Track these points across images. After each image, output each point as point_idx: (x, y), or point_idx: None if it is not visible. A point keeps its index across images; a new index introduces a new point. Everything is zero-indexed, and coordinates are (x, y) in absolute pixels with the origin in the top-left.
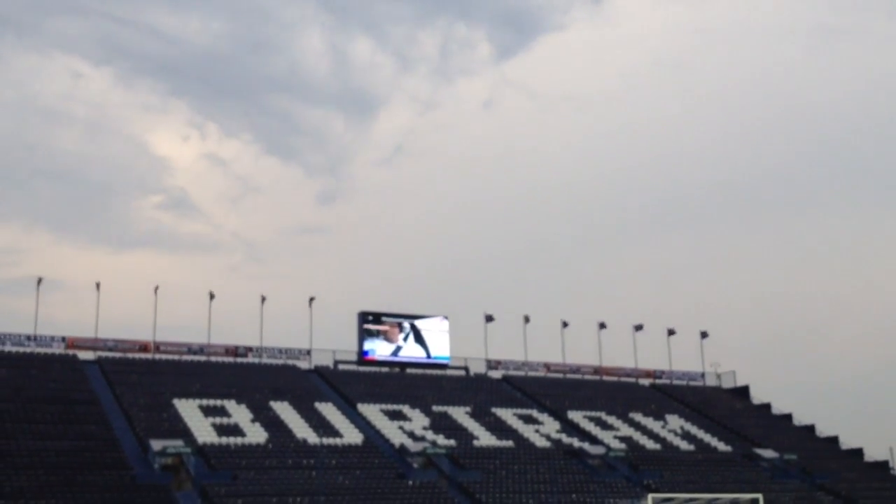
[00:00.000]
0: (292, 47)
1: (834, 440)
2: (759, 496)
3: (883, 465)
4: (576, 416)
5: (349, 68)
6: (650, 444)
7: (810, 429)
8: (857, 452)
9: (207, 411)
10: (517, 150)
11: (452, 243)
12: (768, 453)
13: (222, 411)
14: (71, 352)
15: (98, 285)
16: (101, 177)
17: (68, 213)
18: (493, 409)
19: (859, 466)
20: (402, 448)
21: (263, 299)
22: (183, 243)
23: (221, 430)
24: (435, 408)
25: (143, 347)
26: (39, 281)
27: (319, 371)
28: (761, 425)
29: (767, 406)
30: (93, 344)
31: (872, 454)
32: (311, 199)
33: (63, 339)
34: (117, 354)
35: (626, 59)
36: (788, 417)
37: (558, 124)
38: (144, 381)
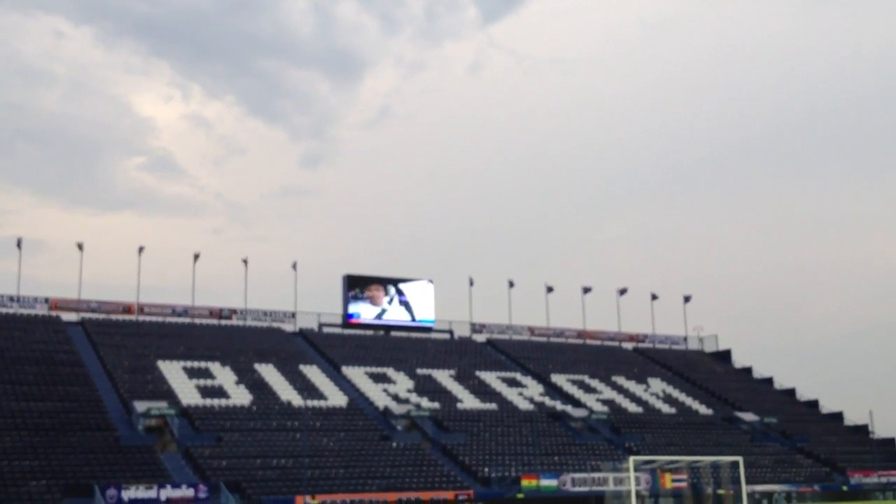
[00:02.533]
0: (277, 8)
1: (814, 404)
2: (740, 459)
3: (862, 429)
4: (559, 379)
5: (334, 30)
6: (632, 407)
7: (790, 392)
8: (837, 416)
9: (192, 373)
10: (503, 114)
11: (437, 207)
12: (749, 416)
13: (207, 373)
14: (54, 313)
15: (81, 246)
16: (83, 137)
17: (50, 173)
18: (477, 373)
19: (839, 430)
20: (387, 410)
21: (246, 262)
22: (166, 205)
23: (206, 391)
24: (419, 371)
25: (127, 309)
26: (19, 242)
27: (304, 334)
28: (742, 389)
29: (748, 370)
30: (76, 305)
31: (852, 418)
32: (296, 162)
33: (46, 300)
34: (101, 316)
35: (614, 23)
36: (769, 381)
37: (545, 88)
38: (128, 342)
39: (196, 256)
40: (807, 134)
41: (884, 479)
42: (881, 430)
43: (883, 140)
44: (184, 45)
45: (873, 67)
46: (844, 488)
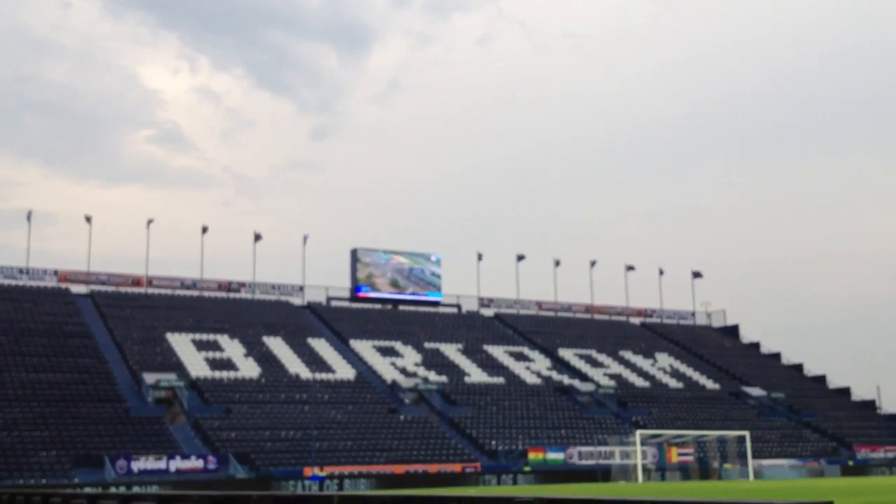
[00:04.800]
0: None
1: (821, 379)
2: (746, 433)
3: (869, 405)
4: (566, 353)
5: (343, 1)
6: (639, 382)
7: (798, 368)
8: (845, 391)
9: (200, 345)
10: (512, 88)
11: (446, 180)
12: (756, 391)
13: (215, 346)
14: (63, 285)
15: (89, 219)
16: (91, 109)
17: (58, 146)
18: (485, 347)
19: (846, 405)
20: (394, 384)
21: (258, 237)
22: (174, 178)
23: (214, 364)
24: (427, 344)
25: (136, 281)
26: (29, 214)
27: (312, 307)
28: (750, 364)
29: (756, 345)
30: (85, 277)
31: (860, 393)
32: (304, 135)
33: (55, 272)
34: (110, 288)
35: None
36: (777, 356)
37: (554, 62)
38: (137, 314)
39: (204, 229)
40: (815, 109)
41: (890, 455)
42: (888, 406)
43: (892, 120)
44: (191, 16)
45: (885, 43)
46: (850, 463)
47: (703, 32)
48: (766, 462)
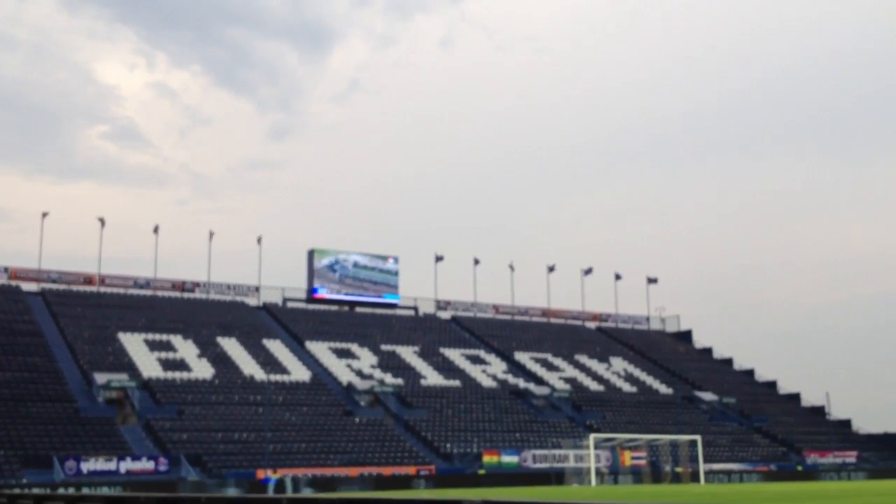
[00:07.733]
0: None
1: (772, 385)
2: (698, 438)
3: (819, 410)
4: (522, 357)
5: (304, 0)
6: (594, 386)
7: (749, 373)
8: (795, 397)
9: (153, 346)
10: (473, 91)
11: (404, 182)
12: (708, 396)
13: (168, 346)
14: (14, 282)
15: (46, 214)
16: (45, 104)
17: (11, 140)
18: (441, 349)
19: (796, 411)
20: (350, 386)
21: (211, 235)
22: (129, 175)
23: (167, 364)
24: (383, 347)
25: (88, 280)
26: None
27: (268, 308)
28: (702, 369)
29: (709, 350)
30: (36, 275)
31: (809, 399)
32: (263, 134)
33: (6, 269)
34: (61, 286)
35: (586, 1)
36: (729, 362)
37: (515, 65)
38: (89, 313)
39: (156, 228)
40: (771, 113)
41: (839, 460)
42: (837, 412)
43: (844, 131)
44: (149, 11)
45: (848, 48)
46: (800, 468)
47: (664, 37)
48: (716, 466)
